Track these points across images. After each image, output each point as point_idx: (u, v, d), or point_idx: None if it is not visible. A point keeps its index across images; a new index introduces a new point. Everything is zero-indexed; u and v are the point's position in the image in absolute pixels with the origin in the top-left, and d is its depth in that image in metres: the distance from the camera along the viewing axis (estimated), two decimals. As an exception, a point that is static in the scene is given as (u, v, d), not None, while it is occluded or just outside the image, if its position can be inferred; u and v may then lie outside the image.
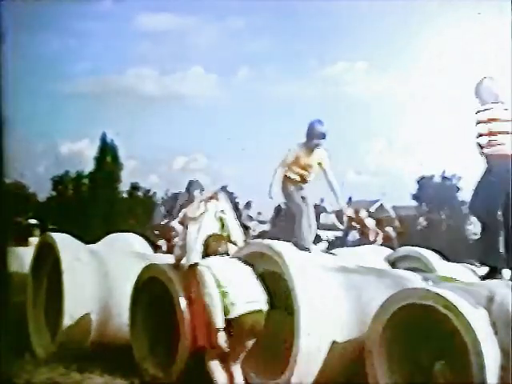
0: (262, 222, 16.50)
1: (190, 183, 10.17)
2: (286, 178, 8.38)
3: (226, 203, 7.46)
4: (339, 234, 12.90)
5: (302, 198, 8.45)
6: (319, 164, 8.46)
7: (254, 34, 57.73)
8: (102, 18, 55.47)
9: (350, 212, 14.94)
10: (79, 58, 58.99)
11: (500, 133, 7.15)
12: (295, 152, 8.40)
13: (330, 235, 16.33)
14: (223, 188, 8.09)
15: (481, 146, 7.18)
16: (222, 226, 7.29)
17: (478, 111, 7.24)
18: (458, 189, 29.40)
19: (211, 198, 7.48)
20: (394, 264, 9.84)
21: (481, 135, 7.11)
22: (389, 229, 13.85)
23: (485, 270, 7.34)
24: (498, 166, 7.13)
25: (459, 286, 5.92)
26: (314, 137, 8.28)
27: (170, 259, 8.04)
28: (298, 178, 8.40)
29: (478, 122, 7.17)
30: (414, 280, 7.13)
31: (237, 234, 7.28)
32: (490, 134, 7.12)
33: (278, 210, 15.91)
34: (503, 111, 7.21)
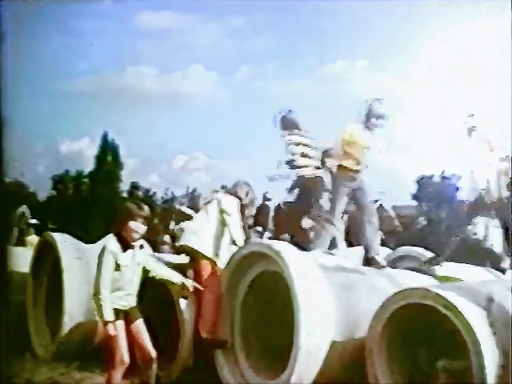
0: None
1: (325, 152, 10.30)
2: (341, 169, 7.83)
3: (232, 204, 7.45)
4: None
5: (354, 190, 7.95)
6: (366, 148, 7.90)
7: (254, 33, 57.65)
8: (102, 17, 55.36)
9: None
10: (79, 57, 58.92)
11: (306, 156, 8.20)
12: (351, 132, 7.79)
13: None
14: (223, 187, 8.09)
15: (293, 164, 8.16)
16: (224, 224, 7.31)
17: (292, 134, 8.21)
18: (458, 188, 29.40)
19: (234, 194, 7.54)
20: (393, 263, 9.84)
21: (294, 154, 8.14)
22: None
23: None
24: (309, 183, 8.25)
25: (459, 286, 5.93)
26: (374, 116, 7.78)
27: (170, 258, 8.07)
28: (354, 167, 7.81)
29: (292, 144, 8.22)
30: (414, 280, 7.14)
31: (237, 233, 7.28)
32: (302, 155, 8.17)
33: (277, 209, 15.88)
34: (306, 138, 8.23)
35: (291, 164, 8.22)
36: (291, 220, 8.16)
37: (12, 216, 14.13)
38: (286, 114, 8.57)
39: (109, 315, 5.77)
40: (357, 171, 7.97)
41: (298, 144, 8.20)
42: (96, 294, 5.82)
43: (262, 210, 15.76)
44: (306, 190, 8.27)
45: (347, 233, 11.29)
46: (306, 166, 8.21)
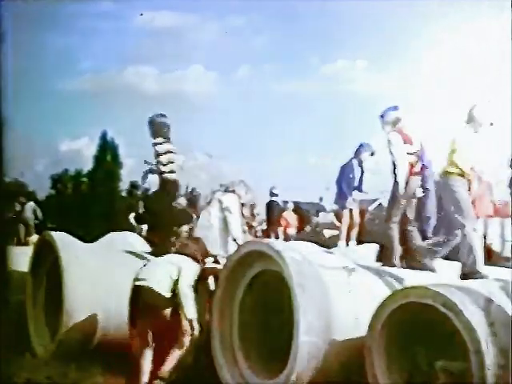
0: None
1: (361, 146, 10.45)
2: (449, 174, 7.45)
3: (233, 202, 7.49)
4: (336, 232, 12.93)
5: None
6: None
7: (254, 33, 57.61)
8: (102, 17, 55.37)
9: None
10: (79, 57, 58.83)
11: (172, 162, 8.67)
12: (461, 139, 7.43)
13: (328, 234, 16.32)
14: (222, 185, 8.15)
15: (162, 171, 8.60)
16: (226, 222, 7.36)
17: (156, 144, 8.68)
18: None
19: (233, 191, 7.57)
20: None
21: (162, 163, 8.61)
22: None
23: None
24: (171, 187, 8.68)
25: (458, 286, 5.92)
26: (482, 120, 7.43)
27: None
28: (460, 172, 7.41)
29: (158, 154, 8.64)
30: (413, 278, 7.14)
31: (237, 232, 7.29)
32: (169, 162, 8.63)
33: (268, 206, 15.92)
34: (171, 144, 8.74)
35: (153, 171, 8.81)
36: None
37: (20, 213, 14.14)
38: (155, 117, 8.81)
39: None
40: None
41: (166, 152, 8.65)
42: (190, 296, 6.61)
43: (271, 206, 15.81)
44: (167, 191, 8.75)
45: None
46: (172, 172, 8.70)
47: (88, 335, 7.89)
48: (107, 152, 34.93)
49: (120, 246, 9.35)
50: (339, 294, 6.46)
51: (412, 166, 8.11)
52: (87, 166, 36.31)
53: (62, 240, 8.44)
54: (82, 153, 45.95)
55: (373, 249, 10.97)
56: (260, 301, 7.02)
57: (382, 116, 8.28)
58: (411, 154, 8.14)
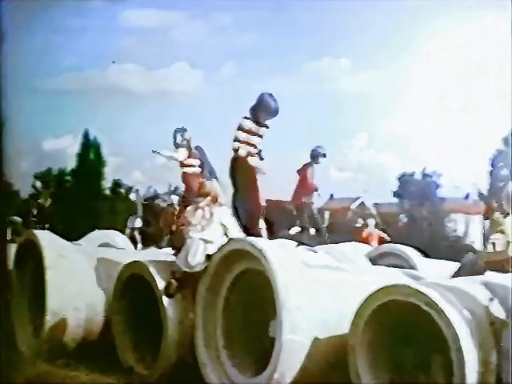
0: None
1: None
2: None
3: (227, 210, 7.50)
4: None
5: None
6: None
7: (240, 30, 57.40)
8: (87, 15, 54.93)
9: None
10: (64, 55, 58.40)
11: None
12: None
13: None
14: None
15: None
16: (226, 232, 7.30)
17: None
18: (438, 186, 29.57)
19: (214, 201, 7.48)
20: (375, 261, 9.91)
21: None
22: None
23: None
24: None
25: (445, 285, 5.92)
26: None
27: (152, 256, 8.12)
28: None
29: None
30: (397, 277, 7.19)
31: (234, 231, 7.29)
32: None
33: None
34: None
35: None
36: None
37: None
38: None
39: None
40: None
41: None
42: None
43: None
44: None
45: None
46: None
47: (72, 334, 7.89)
48: (90, 150, 34.82)
49: (104, 244, 9.34)
50: (323, 292, 6.48)
51: (196, 175, 10.02)
52: (71, 164, 36.18)
53: (46, 238, 8.42)
54: (66, 151, 45.68)
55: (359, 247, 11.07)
56: (244, 299, 7.02)
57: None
58: (195, 166, 10.33)
